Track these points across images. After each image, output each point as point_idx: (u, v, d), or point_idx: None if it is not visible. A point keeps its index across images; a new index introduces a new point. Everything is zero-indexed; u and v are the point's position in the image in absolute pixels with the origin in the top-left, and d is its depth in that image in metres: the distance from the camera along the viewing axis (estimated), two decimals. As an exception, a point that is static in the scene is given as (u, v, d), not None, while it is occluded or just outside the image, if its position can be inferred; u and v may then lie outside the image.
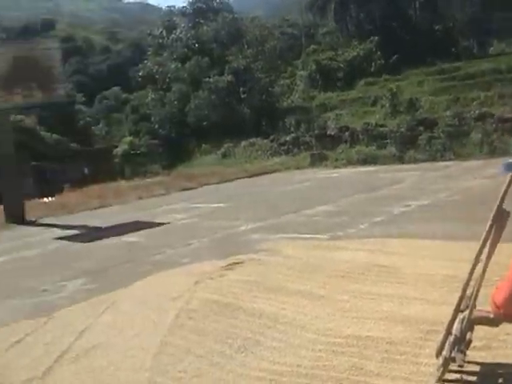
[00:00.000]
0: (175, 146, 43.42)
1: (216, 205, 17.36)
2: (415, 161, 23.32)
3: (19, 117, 40.78)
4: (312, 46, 52.24)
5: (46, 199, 24.10)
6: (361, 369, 4.81)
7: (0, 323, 7.85)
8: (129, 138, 46.73)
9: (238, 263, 8.72)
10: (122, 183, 27.75)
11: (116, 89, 72.05)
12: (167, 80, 49.40)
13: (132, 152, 43.13)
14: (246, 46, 49.01)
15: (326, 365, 4.96)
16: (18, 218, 19.37)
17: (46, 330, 7.04)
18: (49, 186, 32.66)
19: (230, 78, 44.65)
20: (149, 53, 56.30)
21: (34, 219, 19.57)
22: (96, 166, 37.28)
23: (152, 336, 6.08)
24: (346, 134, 29.74)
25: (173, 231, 13.67)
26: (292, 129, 37.64)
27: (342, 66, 47.05)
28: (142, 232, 13.77)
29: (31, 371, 5.69)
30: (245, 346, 5.55)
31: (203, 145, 41.29)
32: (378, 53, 45.96)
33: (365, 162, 24.69)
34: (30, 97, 20.14)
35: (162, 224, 14.65)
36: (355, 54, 47.31)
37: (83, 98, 65.33)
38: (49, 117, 51.99)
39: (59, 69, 21.08)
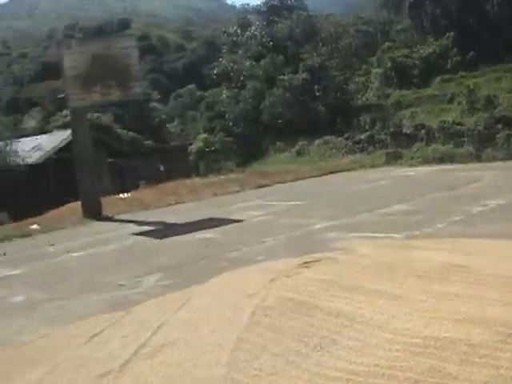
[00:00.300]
0: (249, 144, 43.46)
1: (291, 203, 17.33)
2: (493, 159, 22.91)
3: (96, 114, 41.47)
4: (387, 44, 51.69)
5: (122, 195, 24.45)
6: (439, 371, 4.73)
7: (78, 317, 8.01)
8: (203, 135, 46.92)
9: (313, 261, 8.66)
10: (197, 180, 27.93)
11: (191, 86, 72.61)
12: (242, 78, 49.50)
13: (206, 149, 43.34)
14: (320, 44, 48.77)
15: (403, 365, 4.89)
16: (95, 213, 19.71)
17: (123, 325, 7.13)
18: (125, 182, 33.16)
19: (304, 75, 44.50)
20: (223, 51, 56.51)
21: (110, 215, 19.88)
22: (171, 163, 37.64)
23: (228, 333, 6.08)
24: (422, 132, 29.33)
25: (248, 228, 13.71)
26: (367, 127, 37.34)
27: (417, 63, 46.40)
28: (217, 229, 13.85)
29: (108, 364, 5.76)
30: (321, 345, 5.51)
31: (277, 142, 41.30)
32: (455, 49, 45.14)
33: (441, 160, 24.35)
34: (107, 95, 20.42)
35: (237, 221, 14.71)
36: (431, 51, 46.57)
37: (158, 96, 66.00)
38: (124, 114, 52.75)
39: (136, 67, 21.30)
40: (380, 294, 6.76)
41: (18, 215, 24.14)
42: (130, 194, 24.62)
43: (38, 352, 6.74)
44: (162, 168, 37.21)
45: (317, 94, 44.17)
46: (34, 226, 19.24)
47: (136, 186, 28.52)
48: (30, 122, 61.73)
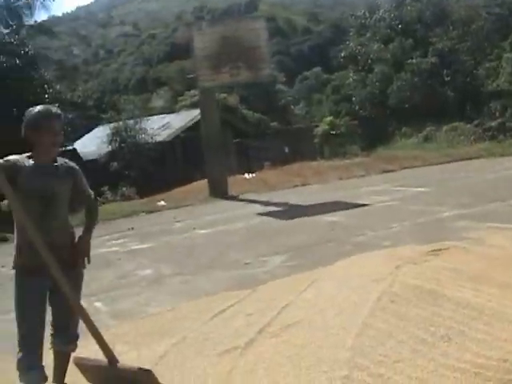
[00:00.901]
0: (375, 128, 42.99)
1: (418, 189, 16.94)
2: None
3: (222, 95, 42.01)
4: (521, 27, 49.80)
5: (247, 176, 24.69)
6: None
7: (205, 292, 8.18)
8: (329, 119, 46.57)
9: (441, 250, 8.46)
10: (322, 163, 27.86)
11: (317, 69, 72.56)
12: (369, 61, 48.92)
13: (332, 132, 43.12)
14: (450, 27, 47.53)
15: (535, 363, 4.72)
16: (221, 192, 20.03)
17: (249, 303, 7.21)
18: (249, 163, 33.49)
19: (433, 59, 43.57)
20: (351, 33, 55.88)
21: (236, 194, 20.14)
22: (296, 145, 37.70)
23: (353, 317, 6.01)
24: (559, 120, 28.26)
25: (374, 213, 13.52)
26: (497, 114, 36.20)
27: (554, 47, 44.58)
28: (342, 212, 13.74)
29: (234, 341, 5.82)
30: (448, 336, 5.37)
31: (403, 128, 40.73)
32: None
33: None
34: (236, 76, 20.64)
35: (363, 205, 14.55)
36: None
37: (284, 78, 66.24)
38: (250, 96, 53.23)
39: (265, 49, 21.40)
40: (511, 287, 6.56)
41: (145, 191, 24.88)
42: (255, 175, 24.81)
43: (165, 324, 6.91)
44: (286, 150, 37.34)
45: (446, 78, 43.17)
46: (161, 203, 19.75)
47: (261, 167, 28.76)
48: (159, 101, 63.30)
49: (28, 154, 4.82)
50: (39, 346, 4.78)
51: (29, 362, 4.72)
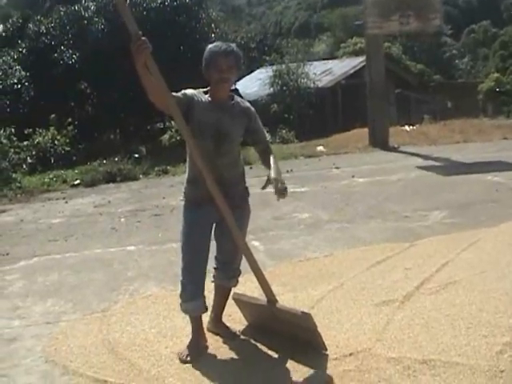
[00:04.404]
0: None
1: None
2: None
3: (386, 44, 41.30)
4: None
5: (407, 127, 24.24)
6: None
7: (361, 241, 8.16)
8: (495, 75, 44.96)
9: None
10: (485, 121, 26.97)
11: (485, 23, 69.82)
12: (545, 16, 46.68)
13: (497, 90, 41.60)
14: None
15: None
16: (381, 142, 19.81)
17: (407, 256, 7.11)
18: (409, 114, 32.91)
19: None
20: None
21: (396, 146, 19.87)
22: (458, 101, 36.70)
23: (516, 283, 5.81)
24: None
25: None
26: None
27: None
28: (507, 173, 13.14)
29: (391, 293, 5.76)
30: None
31: None
32: None
33: None
34: (405, 24, 20.07)
35: (530, 167, 13.94)
36: None
37: (450, 31, 64.32)
38: (413, 46, 52.12)
39: (439, -2, 20.74)
40: None
41: (304, 135, 25.01)
42: (415, 127, 24.32)
43: (322, 269, 6.93)
44: (449, 104, 36.43)
45: None
46: (320, 148, 19.80)
47: (420, 120, 28.22)
48: (320, 46, 63.09)
49: (205, 90, 4.87)
50: (202, 277, 4.90)
51: (191, 291, 4.85)
